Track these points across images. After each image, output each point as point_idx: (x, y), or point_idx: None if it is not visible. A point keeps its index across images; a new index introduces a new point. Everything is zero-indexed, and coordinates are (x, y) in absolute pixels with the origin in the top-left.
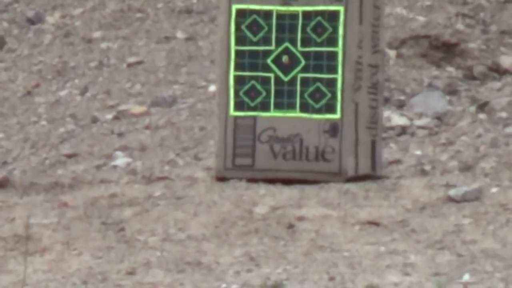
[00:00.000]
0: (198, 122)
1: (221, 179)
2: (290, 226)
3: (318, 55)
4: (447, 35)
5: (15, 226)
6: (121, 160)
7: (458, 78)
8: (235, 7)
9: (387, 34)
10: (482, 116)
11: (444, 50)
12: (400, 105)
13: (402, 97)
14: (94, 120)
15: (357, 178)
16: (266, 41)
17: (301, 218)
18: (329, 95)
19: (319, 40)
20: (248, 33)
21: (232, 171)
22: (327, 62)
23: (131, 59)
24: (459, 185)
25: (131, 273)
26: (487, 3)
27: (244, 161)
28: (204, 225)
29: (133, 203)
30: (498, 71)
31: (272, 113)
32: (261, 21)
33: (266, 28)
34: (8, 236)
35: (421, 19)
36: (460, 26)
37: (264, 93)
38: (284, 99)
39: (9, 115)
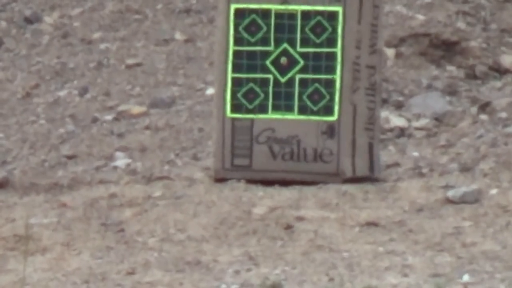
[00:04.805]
0: (197, 124)
1: (220, 179)
2: (289, 226)
3: (317, 55)
4: (447, 34)
5: (15, 226)
6: (120, 160)
7: (458, 78)
8: (233, 6)
9: (385, 32)
10: (483, 116)
11: (444, 49)
12: (399, 106)
13: (401, 98)
14: (94, 120)
15: (355, 180)
16: (264, 42)
17: (299, 219)
18: (327, 96)
19: (318, 40)
20: (246, 34)
21: (230, 171)
22: (326, 63)
23: (130, 61)
24: (457, 187)
25: (130, 273)
26: (487, 2)
27: (242, 162)
28: (203, 226)
29: (133, 204)
30: (498, 70)
31: (270, 115)
32: (259, 21)
33: (265, 28)
34: (8, 236)
35: (421, 17)
36: (460, 24)
37: (262, 96)
38: (282, 101)
39: (8, 115)
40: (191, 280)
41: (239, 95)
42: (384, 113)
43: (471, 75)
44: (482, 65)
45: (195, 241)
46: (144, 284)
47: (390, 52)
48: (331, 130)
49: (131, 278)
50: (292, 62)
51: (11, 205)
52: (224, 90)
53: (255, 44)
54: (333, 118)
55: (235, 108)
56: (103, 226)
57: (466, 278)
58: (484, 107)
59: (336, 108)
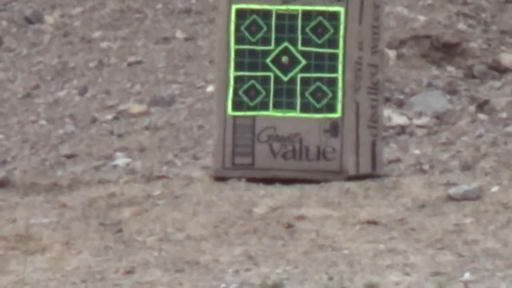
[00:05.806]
0: (197, 122)
1: (220, 178)
2: (290, 225)
3: (319, 55)
4: (448, 35)
5: (16, 226)
6: (120, 160)
7: (458, 78)
8: (234, 6)
9: (387, 34)
10: (482, 115)
11: (444, 50)
12: (400, 104)
13: (402, 97)
14: (93, 120)
15: (358, 177)
16: (265, 41)
17: (300, 218)
18: (330, 94)
19: (319, 41)
20: (247, 34)
21: (231, 170)
22: (328, 62)
23: (131, 59)
24: (459, 184)
25: (129, 272)
26: (487, 3)
27: (244, 160)
28: (203, 225)
29: (132, 203)
30: (498, 69)
31: (271, 113)
32: (260, 21)
33: (265, 28)
34: (9, 236)
35: (422, 18)
36: (461, 26)
37: (263, 93)
38: (283, 98)
39: (8, 115)
40: (191, 279)
41: (240, 92)
42: (385, 111)
43: (470, 75)
44: (481, 64)
45: (195, 241)
46: (143, 284)
47: (391, 53)
48: (334, 128)
49: (130, 277)
50: (294, 61)
51: (12, 205)
52: (226, 88)
53: (255, 43)
54: (337, 115)
55: (237, 105)
56: (102, 226)
57: (467, 276)
58: (483, 105)
59: (339, 105)
